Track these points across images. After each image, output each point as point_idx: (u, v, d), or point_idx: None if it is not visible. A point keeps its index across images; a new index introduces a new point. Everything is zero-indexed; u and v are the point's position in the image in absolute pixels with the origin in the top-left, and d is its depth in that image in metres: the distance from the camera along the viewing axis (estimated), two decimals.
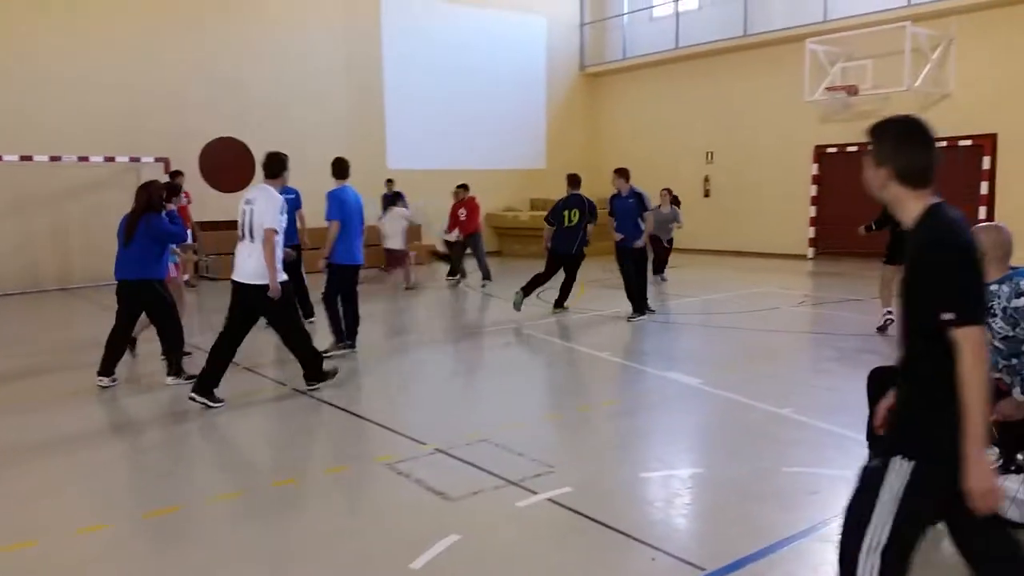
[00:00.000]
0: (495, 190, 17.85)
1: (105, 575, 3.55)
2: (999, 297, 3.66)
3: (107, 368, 6.77)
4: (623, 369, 7.58)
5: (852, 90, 14.77)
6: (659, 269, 12.96)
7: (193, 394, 6.08)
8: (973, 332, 2.09)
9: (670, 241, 13.28)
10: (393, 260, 12.45)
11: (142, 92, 13.97)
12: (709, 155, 17.93)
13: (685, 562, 3.47)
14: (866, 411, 4.01)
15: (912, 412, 2.29)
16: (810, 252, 16.54)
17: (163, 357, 7.09)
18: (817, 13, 15.82)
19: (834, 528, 3.82)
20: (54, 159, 12.78)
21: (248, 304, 6.22)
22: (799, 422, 5.51)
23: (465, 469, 4.70)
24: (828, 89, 15.06)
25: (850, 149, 15.38)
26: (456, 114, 18.15)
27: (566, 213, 10.06)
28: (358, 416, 5.96)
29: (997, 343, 3.67)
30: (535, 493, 4.28)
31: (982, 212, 14.02)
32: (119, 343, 6.84)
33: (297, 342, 6.48)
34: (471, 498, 4.27)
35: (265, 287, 6.06)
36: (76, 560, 3.65)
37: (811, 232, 16.60)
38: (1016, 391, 3.61)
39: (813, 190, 16.51)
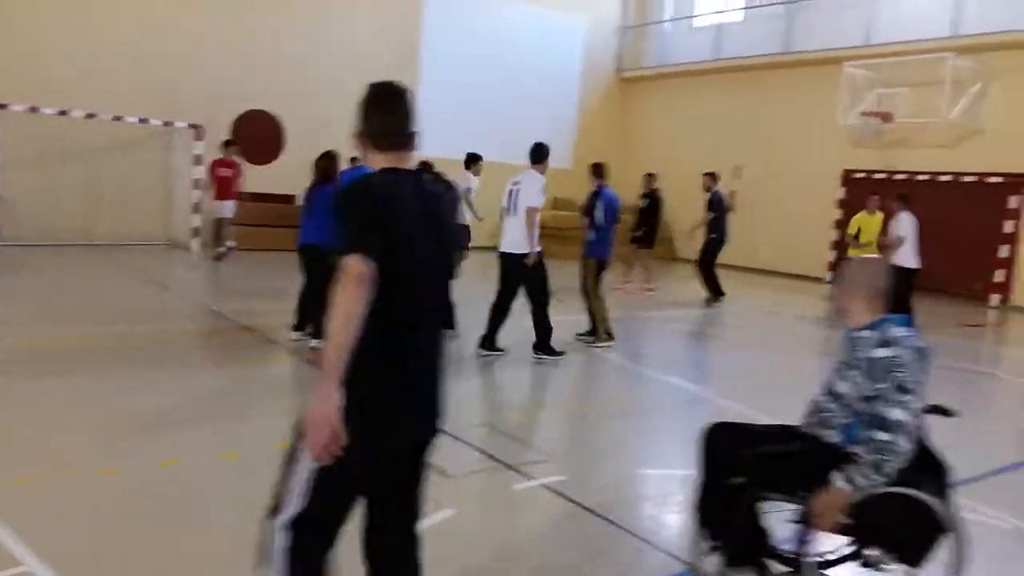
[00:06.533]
0: None
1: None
2: (864, 345, 2.97)
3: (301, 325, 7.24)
4: (625, 371, 7.65)
5: (886, 117, 14.73)
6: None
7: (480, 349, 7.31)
8: (349, 260, 2.06)
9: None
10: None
11: (179, 58, 14.14)
12: (738, 170, 17.91)
13: (672, 556, 3.55)
14: None
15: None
16: (829, 276, 16.48)
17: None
18: (859, 36, 15.76)
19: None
20: (90, 116, 12.97)
21: (507, 271, 7.33)
22: None
23: (464, 449, 4.81)
24: (863, 114, 15.03)
25: (878, 176, 15.33)
26: (489, 105, 18.20)
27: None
28: None
29: (860, 404, 2.95)
30: (531, 479, 4.38)
31: (1004, 251, 13.97)
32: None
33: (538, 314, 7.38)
34: (469, 477, 4.38)
35: (523, 255, 7.18)
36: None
37: (831, 256, 16.54)
38: (839, 479, 2.78)
39: (837, 214, 16.46)
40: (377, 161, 2.34)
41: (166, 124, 13.76)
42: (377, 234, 2.12)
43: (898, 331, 2.91)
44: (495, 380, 6.99)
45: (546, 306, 7.41)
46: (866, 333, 2.99)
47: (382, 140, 2.34)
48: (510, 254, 7.33)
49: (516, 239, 7.27)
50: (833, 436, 3.03)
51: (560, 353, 7.48)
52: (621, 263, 13.04)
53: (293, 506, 2.15)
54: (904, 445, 2.76)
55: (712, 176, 12.31)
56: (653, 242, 12.88)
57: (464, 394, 6.32)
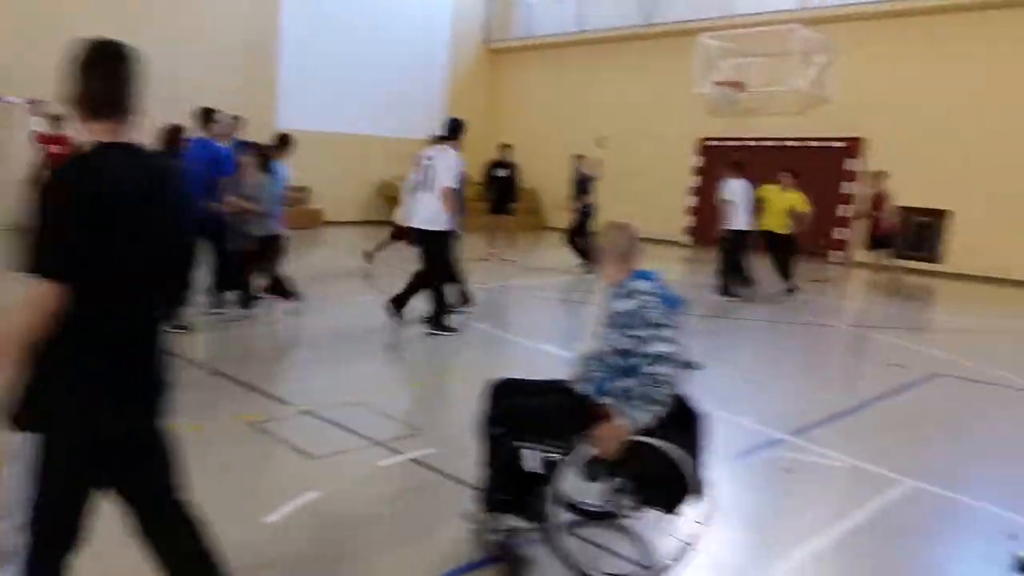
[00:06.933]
0: (386, 158, 17.72)
1: None
2: (614, 300, 3.21)
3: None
4: (496, 341, 7.76)
5: (739, 86, 15.39)
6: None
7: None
8: (39, 290, 1.98)
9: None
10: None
11: (13, 28, 13.03)
12: (602, 140, 18.28)
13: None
14: None
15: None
16: (686, 240, 17.22)
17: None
18: (713, 8, 16.38)
19: None
20: None
21: (424, 247, 7.25)
22: None
23: (331, 430, 4.75)
24: (716, 83, 15.64)
25: (732, 143, 16.08)
26: (354, 77, 17.79)
27: None
28: (227, 376, 5.88)
29: (612, 357, 3.17)
30: (400, 453, 4.39)
31: (843, 211, 15.04)
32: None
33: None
34: (335, 457, 4.34)
35: (434, 232, 7.13)
36: None
37: (689, 221, 17.28)
38: (619, 417, 3.01)
39: (694, 181, 17.19)
40: (93, 131, 2.09)
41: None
42: (80, 239, 1.97)
43: (639, 283, 3.17)
44: (362, 358, 6.92)
45: (443, 283, 7.45)
46: (617, 291, 3.23)
47: (100, 107, 2.08)
48: (424, 231, 7.26)
49: (430, 215, 7.20)
50: (587, 388, 3.26)
51: (453, 330, 7.51)
52: (485, 233, 13.49)
53: (23, 507, 2.07)
54: (670, 372, 3.01)
55: (579, 158, 12.88)
56: (513, 211, 13.51)
57: (330, 373, 6.24)
